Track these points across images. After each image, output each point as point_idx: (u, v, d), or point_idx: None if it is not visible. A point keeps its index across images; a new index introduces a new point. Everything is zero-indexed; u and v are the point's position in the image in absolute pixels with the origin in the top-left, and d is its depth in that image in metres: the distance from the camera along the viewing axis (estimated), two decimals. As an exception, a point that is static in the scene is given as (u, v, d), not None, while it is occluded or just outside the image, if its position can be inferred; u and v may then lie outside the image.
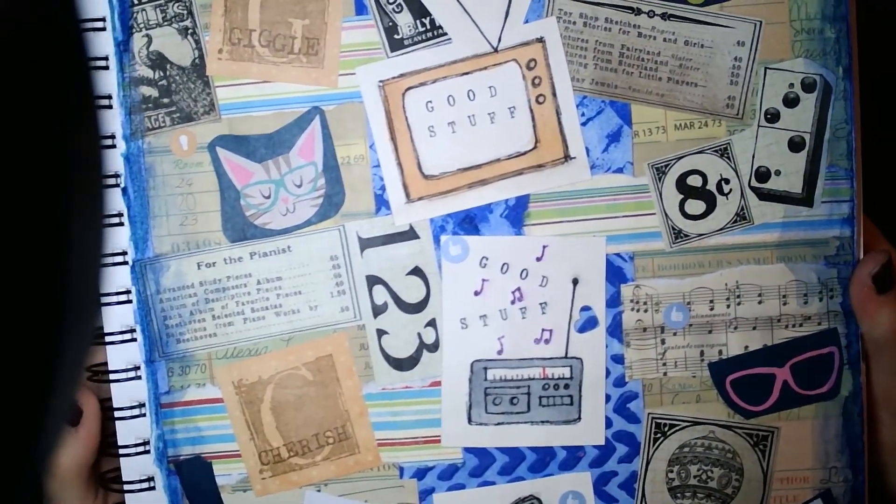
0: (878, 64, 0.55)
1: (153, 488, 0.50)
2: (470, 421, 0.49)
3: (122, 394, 0.48)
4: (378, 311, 0.48)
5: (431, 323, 0.49)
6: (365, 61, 0.47)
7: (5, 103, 0.22)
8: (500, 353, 0.49)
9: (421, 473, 0.49)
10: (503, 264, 0.48)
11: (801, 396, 0.49)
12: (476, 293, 0.48)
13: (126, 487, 0.49)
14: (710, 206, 0.48)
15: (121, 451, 0.48)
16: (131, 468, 0.48)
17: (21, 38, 0.22)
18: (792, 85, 0.47)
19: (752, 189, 0.48)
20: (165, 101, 0.48)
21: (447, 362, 0.49)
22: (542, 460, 0.49)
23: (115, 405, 0.48)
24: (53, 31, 0.23)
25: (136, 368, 0.48)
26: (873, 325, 0.47)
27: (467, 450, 0.49)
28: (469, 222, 0.48)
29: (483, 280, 0.48)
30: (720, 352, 0.49)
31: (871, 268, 0.47)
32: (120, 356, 0.48)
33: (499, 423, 0.49)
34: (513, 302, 0.48)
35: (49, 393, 0.24)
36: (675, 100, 0.48)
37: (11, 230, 0.22)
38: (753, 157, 0.48)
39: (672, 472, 0.49)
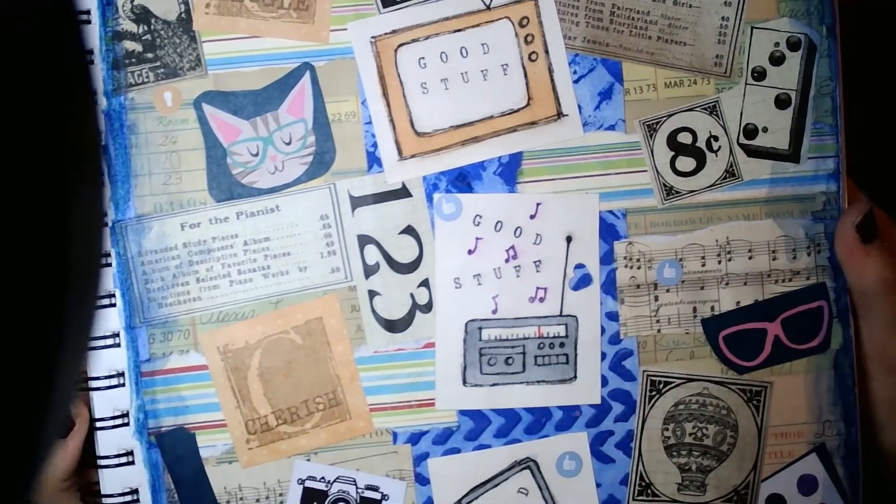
0: (862, 24, 0.56)
1: (132, 463, 0.44)
2: (465, 383, 0.45)
3: (99, 363, 0.44)
4: (370, 271, 0.45)
5: (424, 283, 0.45)
6: (357, 17, 0.44)
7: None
8: (494, 312, 0.45)
9: (415, 438, 0.45)
10: (497, 222, 0.45)
11: (793, 351, 0.46)
12: (470, 252, 0.45)
13: (102, 463, 0.44)
14: (701, 163, 0.46)
15: (97, 425, 0.44)
16: (108, 442, 0.44)
17: (19, 25, 0.21)
18: (777, 44, 0.46)
19: (741, 146, 0.46)
20: (149, 56, 0.44)
21: (441, 323, 0.45)
22: (539, 421, 0.46)
23: (91, 374, 0.44)
24: (51, 17, 0.22)
25: (115, 335, 0.44)
26: (859, 275, 0.45)
27: (462, 412, 0.45)
28: (462, 180, 0.45)
29: (477, 238, 0.45)
30: (712, 308, 0.46)
31: (854, 218, 0.45)
32: (98, 322, 0.44)
33: (494, 385, 0.45)
34: (507, 260, 0.45)
35: (49, 388, 0.23)
36: (665, 58, 0.46)
37: (12, 214, 0.21)
38: (741, 114, 0.46)
39: (668, 430, 0.46)
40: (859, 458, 0.47)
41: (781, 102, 0.47)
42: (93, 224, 0.24)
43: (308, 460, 0.45)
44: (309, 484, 0.45)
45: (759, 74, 0.47)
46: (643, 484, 0.47)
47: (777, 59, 0.47)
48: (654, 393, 0.48)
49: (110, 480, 0.45)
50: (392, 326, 0.45)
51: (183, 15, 0.45)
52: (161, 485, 0.45)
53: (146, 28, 0.45)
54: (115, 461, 0.45)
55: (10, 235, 0.21)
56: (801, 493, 0.47)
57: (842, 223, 0.46)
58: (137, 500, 0.45)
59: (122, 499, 0.45)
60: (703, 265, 0.48)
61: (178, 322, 0.45)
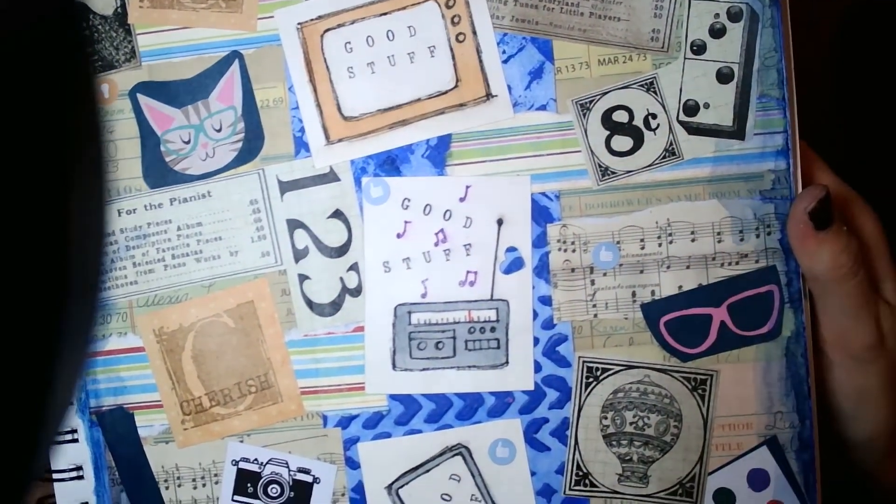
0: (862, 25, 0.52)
1: (76, 440, 0.44)
2: (394, 367, 0.42)
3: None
4: (299, 255, 0.43)
5: (354, 267, 0.42)
6: (283, 4, 0.42)
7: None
8: (424, 296, 0.42)
9: (345, 422, 0.43)
10: (426, 205, 0.42)
11: (741, 338, 0.42)
12: (398, 235, 0.42)
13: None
14: (638, 143, 0.42)
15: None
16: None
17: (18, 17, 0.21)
18: (717, 15, 0.41)
19: (681, 123, 0.42)
20: (88, 50, 0.49)
21: (370, 307, 0.42)
22: (471, 407, 0.42)
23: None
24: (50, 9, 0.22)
25: None
26: (813, 264, 0.40)
27: (392, 397, 0.42)
28: (390, 164, 0.42)
29: (405, 222, 0.42)
30: (653, 292, 0.42)
31: (808, 203, 0.40)
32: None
33: (424, 369, 0.42)
34: (436, 244, 0.42)
35: (51, 378, 0.22)
36: (598, 35, 0.41)
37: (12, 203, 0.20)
38: (681, 90, 0.42)
39: (606, 418, 0.42)
40: (814, 453, 0.42)
41: (723, 76, 0.44)
42: (94, 217, 0.23)
43: (241, 442, 0.43)
44: (243, 465, 0.43)
45: (699, 48, 0.44)
46: (580, 473, 0.42)
47: (717, 32, 0.44)
48: (590, 380, 0.45)
49: (58, 457, 0.44)
50: (322, 310, 0.43)
51: (119, 9, 0.45)
52: (103, 463, 0.43)
53: (85, 24, 0.46)
54: (62, 437, 0.46)
55: (10, 226, 0.21)
56: (751, 488, 0.42)
57: (794, 209, 0.41)
58: (82, 477, 0.46)
59: (68, 474, 0.46)
60: (643, 248, 0.44)
61: (116, 305, 0.43)
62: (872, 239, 0.42)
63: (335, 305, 0.43)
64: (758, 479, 0.42)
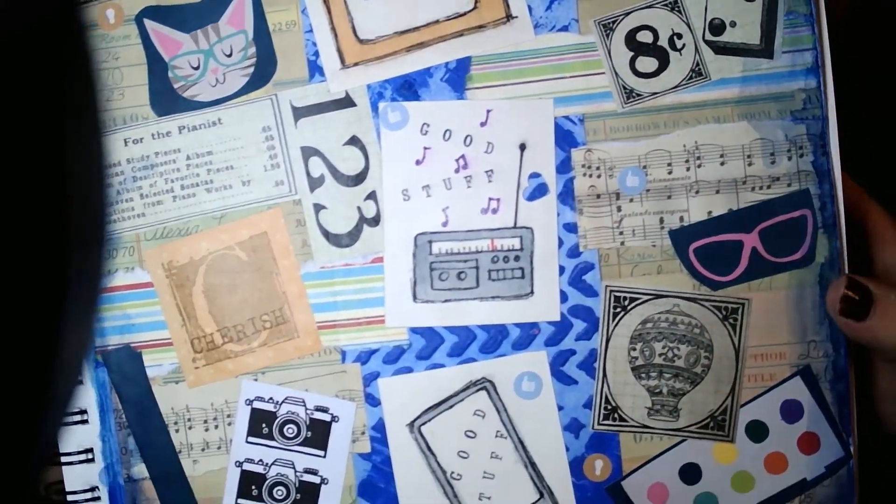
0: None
1: (81, 382, 0.41)
2: (415, 298, 0.40)
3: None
4: (314, 184, 0.41)
5: (371, 195, 0.40)
6: None
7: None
8: (444, 225, 0.40)
9: (364, 357, 0.41)
10: (445, 131, 0.40)
11: (773, 264, 0.40)
12: (417, 162, 0.40)
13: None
14: (663, 63, 0.40)
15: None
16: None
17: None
18: None
19: (707, 43, 0.40)
20: None
21: (389, 237, 0.40)
22: (495, 339, 0.40)
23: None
24: None
25: None
26: (877, 346, 0.40)
27: (413, 330, 0.40)
28: (408, 88, 0.40)
29: (425, 148, 0.40)
30: (681, 218, 0.40)
31: (835, 306, 0.39)
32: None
33: (446, 301, 0.40)
34: (457, 170, 0.40)
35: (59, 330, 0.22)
36: None
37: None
38: (706, 8, 0.40)
39: (635, 349, 0.40)
40: (849, 383, 0.40)
41: (751, -6, 0.42)
42: (94, 176, 0.23)
43: (255, 380, 0.41)
44: (257, 405, 0.41)
45: (726, -35, 0.43)
46: (609, 407, 0.41)
47: (745, -52, 0.42)
48: (618, 310, 0.41)
49: (67, 439, 0.42)
50: (339, 241, 0.41)
51: (123, -71, 0.44)
52: (109, 405, 0.41)
53: (87, -56, 0.44)
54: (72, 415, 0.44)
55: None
56: (784, 420, 0.40)
57: (829, 310, 0.40)
58: (87, 421, 0.44)
59: (71, 418, 0.44)
60: (670, 172, 0.41)
61: (122, 239, 0.41)
62: (887, 241, 0.41)
63: (353, 236, 0.41)
64: (791, 411, 0.41)
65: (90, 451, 0.42)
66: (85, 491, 0.42)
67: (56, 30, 0.22)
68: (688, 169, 0.41)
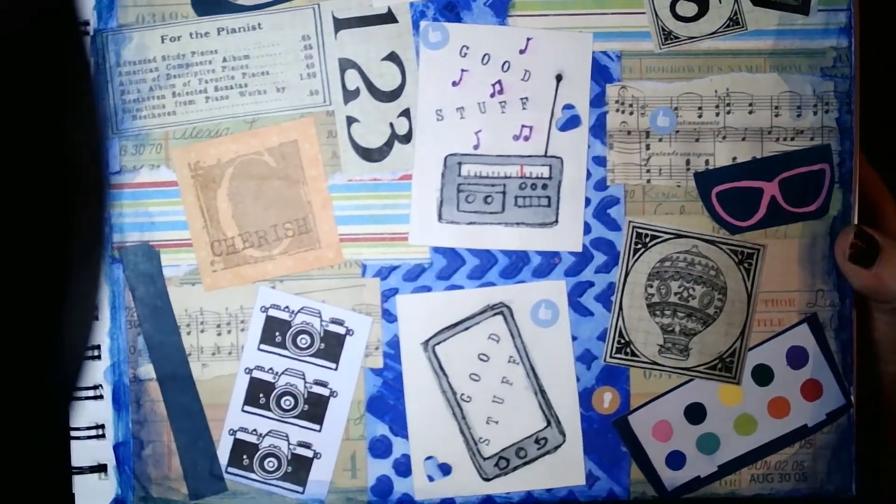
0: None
1: (96, 318, 0.45)
2: (440, 219, 0.40)
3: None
4: (349, 97, 0.40)
5: (405, 113, 0.40)
6: None
7: None
8: (476, 147, 0.40)
9: (385, 272, 0.40)
10: (484, 55, 0.40)
11: (789, 213, 0.41)
12: (454, 83, 0.40)
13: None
14: (703, 9, 0.40)
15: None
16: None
17: None
18: None
19: None
20: None
21: (420, 155, 0.40)
22: (515, 265, 0.40)
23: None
24: None
25: None
26: (880, 296, 0.40)
27: (436, 250, 0.40)
28: (451, 9, 0.40)
29: (462, 70, 0.40)
30: (707, 161, 0.40)
31: (845, 251, 0.40)
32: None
33: (471, 223, 0.40)
34: (492, 95, 0.40)
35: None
36: None
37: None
38: None
39: (652, 286, 0.41)
40: (853, 332, 0.41)
41: (792, -50, 0.43)
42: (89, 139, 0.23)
43: (273, 288, 0.40)
44: (272, 313, 0.40)
45: (770, -81, 0.43)
46: (622, 341, 0.41)
47: None
48: (639, 246, 0.41)
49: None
50: (369, 155, 0.40)
51: None
52: (121, 303, 0.40)
53: None
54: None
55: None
56: (789, 366, 0.41)
57: (837, 259, 0.41)
58: (97, 318, 0.43)
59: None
60: (700, 116, 0.41)
61: (150, 135, 0.40)
62: (886, 211, 0.42)
63: (383, 151, 0.41)
64: (797, 357, 0.41)
65: (97, 347, 0.41)
66: (88, 388, 0.41)
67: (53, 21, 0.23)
68: (717, 114, 0.41)
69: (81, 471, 0.41)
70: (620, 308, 0.41)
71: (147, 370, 0.41)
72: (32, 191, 0.22)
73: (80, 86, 0.24)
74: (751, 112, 0.41)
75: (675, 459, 0.41)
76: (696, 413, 0.41)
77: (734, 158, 0.41)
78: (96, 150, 0.25)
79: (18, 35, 0.21)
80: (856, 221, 0.41)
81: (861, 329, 0.42)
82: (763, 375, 0.41)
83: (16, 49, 0.21)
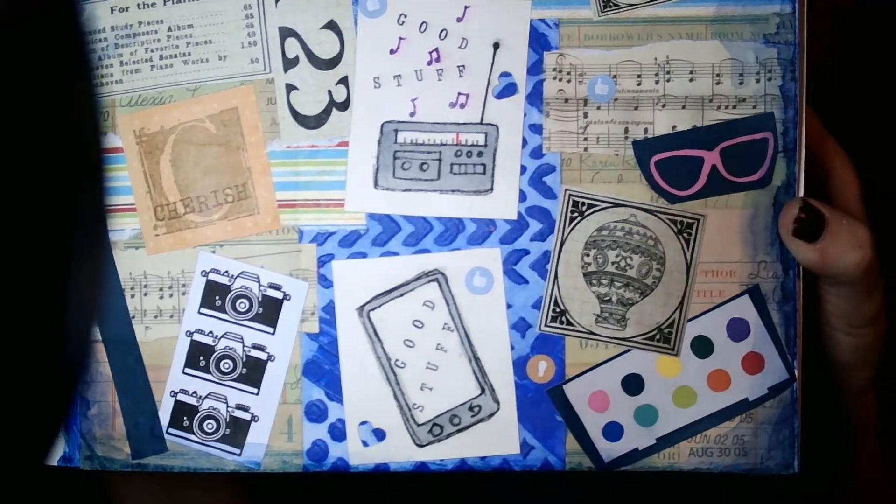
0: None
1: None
2: (376, 185, 0.40)
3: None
4: (289, 64, 0.40)
5: (343, 81, 0.40)
6: None
7: None
8: (412, 115, 0.40)
9: (321, 238, 0.40)
10: (422, 23, 0.40)
11: (731, 183, 0.40)
12: (391, 51, 0.40)
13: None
14: None
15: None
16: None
17: None
18: None
19: None
20: None
21: (356, 122, 0.40)
22: (451, 233, 0.40)
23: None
24: None
25: None
26: (824, 271, 0.40)
27: (371, 216, 0.40)
28: None
29: (400, 38, 0.40)
30: (646, 130, 0.40)
31: (789, 226, 0.39)
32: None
33: (406, 190, 0.40)
34: (429, 63, 0.40)
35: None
36: None
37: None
38: None
39: (588, 255, 0.40)
40: (796, 305, 0.39)
41: (734, -85, 0.42)
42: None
43: (213, 252, 0.41)
44: (212, 277, 0.40)
45: None
46: (557, 310, 0.40)
47: None
48: (575, 214, 0.40)
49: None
50: (307, 122, 0.40)
51: None
52: None
53: None
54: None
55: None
56: (730, 338, 0.40)
57: (781, 233, 0.40)
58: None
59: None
60: (639, 84, 0.41)
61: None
62: (843, 178, 0.41)
63: (321, 119, 0.41)
64: (737, 329, 0.40)
65: (47, 308, 0.42)
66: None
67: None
68: (657, 82, 0.40)
69: (30, 428, 0.42)
70: (556, 277, 0.40)
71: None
72: (32, 174, 0.22)
73: (79, 68, 0.24)
74: (691, 80, 0.40)
75: (613, 431, 0.41)
76: (633, 384, 0.40)
77: (674, 127, 0.40)
78: (94, 130, 0.25)
79: (17, 21, 0.21)
80: (801, 193, 0.40)
81: (810, 303, 0.41)
82: (702, 347, 0.40)
83: (13, 34, 0.21)
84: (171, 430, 0.41)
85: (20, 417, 0.23)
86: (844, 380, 0.42)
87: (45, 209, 0.22)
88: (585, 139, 0.40)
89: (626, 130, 0.40)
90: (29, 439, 0.24)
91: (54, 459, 0.42)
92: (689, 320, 0.40)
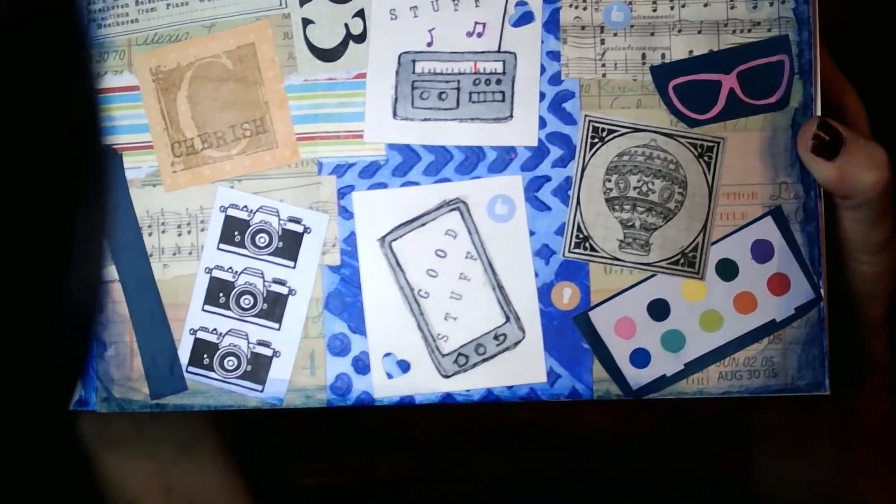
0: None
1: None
2: (395, 115, 0.40)
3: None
4: None
5: (359, 13, 0.40)
6: None
7: None
8: (429, 45, 0.40)
9: (340, 170, 0.40)
10: None
11: (749, 106, 0.40)
12: None
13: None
14: None
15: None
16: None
17: None
18: None
19: None
20: None
21: (374, 54, 0.40)
22: (471, 161, 0.40)
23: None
24: None
25: None
26: (841, 191, 0.39)
27: (391, 146, 0.40)
28: None
29: None
30: (663, 55, 0.40)
31: (808, 143, 0.39)
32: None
33: (425, 119, 0.40)
34: None
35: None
36: None
37: None
38: None
39: (610, 181, 0.40)
40: (819, 225, 0.39)
41: None
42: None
43: (232, 188, 0.40)
44: (231, 212, 0.40)
45: None
46: (581, 236, 0.40)
47: None
48: (595, 140, 0.40)
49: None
50: (324, 55, 0.40)
51: None
52: None
53: None
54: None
55: None
56: (754, 260, 0.39)
57: (799, 150, 0.40)
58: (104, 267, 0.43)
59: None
60: (655, 10, 0.41)
61: (114, 43, 0.40)
62: (854, 110, 0.41)
63: (338, 51, 0.41)
64: (762, 251, 0.40)
65: (62, 250, 0.41)
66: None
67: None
68: (672, 8, 0.40)
69: (46, 373, 0.41)
70: (578, 202, 0.40)
71: (110, 272, 0.41)
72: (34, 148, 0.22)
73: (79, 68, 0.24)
74: (706, 5, 0.40)
75: (640, 357, 0.40)
76: (659, 309, 0.40)
77: (690, 52, 0.40)
78: (93, 101, 0.25)
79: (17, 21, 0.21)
80: (818, 113, 0.40)
81: (829, 226, 0.41)
82: (727, 270, 0.40)
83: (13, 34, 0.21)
84: (190, 369, 0.40)
85: (37, 363, 0.23)
86: (860, 313, 0.42)
87: (47, 160, 0.22)
88: (603, 65, 0.40)
89: (644, 56, 0.40)
90: (49, 384, 0.24)
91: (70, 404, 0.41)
92: (713, 243, 0.40)
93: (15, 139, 0.21)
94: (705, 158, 0.40)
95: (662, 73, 0.40)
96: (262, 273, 0.40)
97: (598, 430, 0.48)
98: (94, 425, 0.45)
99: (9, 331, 0.22)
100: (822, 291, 0.40)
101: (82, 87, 0.24)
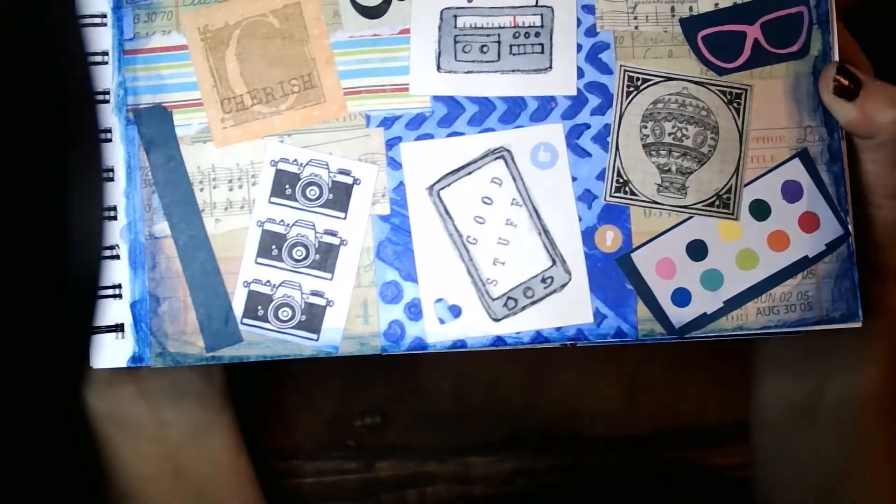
0: None
1: (110, 140, 0.41)
2: (439, 69, 0.41)
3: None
4: None
5: None
6: None
7: None
8: (469, 1, 0.41)
9: (388, 122, 0.41)
10: None
11: (773, 55, 0.42)
12: None
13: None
14: None
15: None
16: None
17: None
18: None
19: None
20: None
21: (416, 10, 0.41)
22: (513, 111, 0.41)
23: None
24: None
25: (103, 16, 0.41)
26: (863, 130, 0.41)
27: (436, 98, 0.41)
28: None
29: None
30: (691, 8, 0.42)
31: (829, 86, 0.41)
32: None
33: (468, 72, 0.41)
34: None
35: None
36: None
37: None
38: None
39: (646, 127, 0.41)
40: (843, 165, 0.41)
41: None
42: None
43: (282, 142, 0.41)
44: (282, 166, 0.41)
45: None
46: (621, 181, 0.41)
47: None
48: (631, 89, 0.42)
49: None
50: (368, 13, 0.41)
51: None
52: (136, 163, 0.41)
53: None
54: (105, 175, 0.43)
55: None
56: (785, 200, 0.41)
57: (822, 94, 0.42)
58: (113, 179, 0.43)
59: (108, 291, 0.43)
60: None
61: (162, 3, 0.41)
62: (858, 64, 0.43)
63: (382, 8, 0.42)
64: (791, 191, 0.42)
65: (114, 209, 0.41)
66: (105, 248, 0.41)
67: None
68: (697, -36, 0.42)
69: (98, 330, 0.41)
70: (617, 148, 0.41)
71: (162, 228, 0.41)
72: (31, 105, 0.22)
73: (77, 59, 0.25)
74: (729, -39, 0.42)
75: (681, 296, 0.41)
76: (697, 250, 0.42)
77: (716, 4, 0.42)
78: (83, 62, 0.25)
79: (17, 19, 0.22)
80: (836, 59, 0.42)
81: (852, 167, 0.43)
82: (760, 210, 0.42)
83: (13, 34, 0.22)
84: (245, 321, 0.41)
85: (41, 333, 0.23)
86: (880, 260, 0.44)
87: (43, 139, 0.22)
88: (635, 17, 0.42)
89: (673, 9, 0.42)
90: (56, 351, 0.24)
91: (114, 362, 0.41)
92: (746, 185, 0.42)
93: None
94: (734, 105, 0.42)
95: (691, 25, 0.42)
96: (313, 225, 0.41)
97: (597, 431, 0.50)
98: (105, 407, 0.45)
99: (12, 291, 0.22)
100: (849, 227, 0.41)
101: (78, 75, 0.25)
